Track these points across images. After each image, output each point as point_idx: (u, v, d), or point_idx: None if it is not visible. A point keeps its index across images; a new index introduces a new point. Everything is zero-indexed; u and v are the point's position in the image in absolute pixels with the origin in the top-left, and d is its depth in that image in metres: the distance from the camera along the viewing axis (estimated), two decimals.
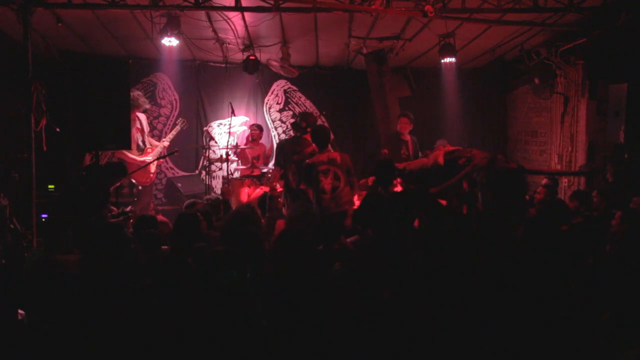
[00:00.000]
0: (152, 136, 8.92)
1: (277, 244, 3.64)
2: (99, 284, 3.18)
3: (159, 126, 9.09)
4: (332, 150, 5.95)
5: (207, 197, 6.19)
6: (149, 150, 7.41)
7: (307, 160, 5.86)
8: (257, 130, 8.31)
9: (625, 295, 3.06)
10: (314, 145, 6.06)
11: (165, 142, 7.64)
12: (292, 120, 9.44)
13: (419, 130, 7.82)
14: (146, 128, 7.52)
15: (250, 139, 8.37)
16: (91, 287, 3.15)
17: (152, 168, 7.44)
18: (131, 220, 5.20)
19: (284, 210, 6.34)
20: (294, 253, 3.44)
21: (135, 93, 7.44)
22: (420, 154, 7.58)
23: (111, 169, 5.73)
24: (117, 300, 3.03)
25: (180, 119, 8.12)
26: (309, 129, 6.22)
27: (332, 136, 6.09)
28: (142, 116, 7.48)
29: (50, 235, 4.20)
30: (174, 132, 7.86)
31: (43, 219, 5.90)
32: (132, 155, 7.12)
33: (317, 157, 5.77)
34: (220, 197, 6.25)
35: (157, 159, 7.39)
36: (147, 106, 7.76)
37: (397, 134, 7.54)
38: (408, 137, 7.53)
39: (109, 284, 3.16)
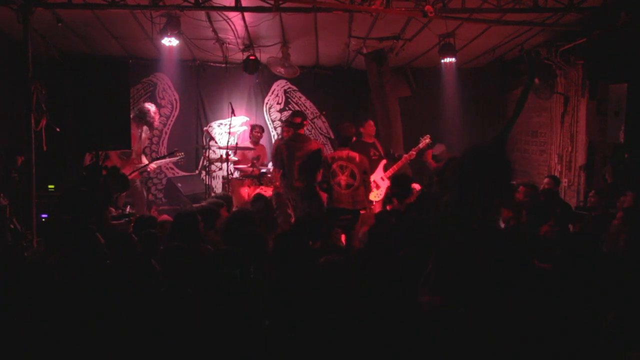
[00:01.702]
0: (152, 136, 8.95)
1: (275, 245, 3.66)
2: (99, 284, 3.18)
3: (159, 126, 9.09)
4: (351, 150, 6.07)
5: (215, 193, 6.23)
6: (135, 162, 7.20)
7: (328, 154, 6.14)
8: (258, 133, 8.29)
9: (627, 296, 3.06)
10: (312, 141, 6.19)
11: (153, 165, 7.49)
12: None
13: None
14: (143, 142, 7.37)
15: (251, 140, 8.35)
16: (92, 288, 3.15)
17: None
18: (132, 224, 5.20)
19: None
20: (289, 253, 3.46)
21: (153, 110, 7.42)
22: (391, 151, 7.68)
23: (116, 179, 5.70)
24: (117, 300, 3.03)
25: (180, 153, 7.70)
26: (305, 123, 6.41)
27: (354, 137, 6.23)
28: (144, 129, 7.41)
29: (50, 235, 4.19)
30: (167, 160, 7.76)
31: (43, 219, 5.90)
32: (117, 159, 6.95)
33: (337, 152, 6.04)
34: (230, 194, 6.34)
35: (133, 172, 7.10)
36: (156, 124, 7.67)
37: (360, 140, 7.55)
38: (373, 139, 7.57)
39: (109, 284, 3.16)
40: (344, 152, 5.98)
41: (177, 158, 7.62)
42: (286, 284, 3.24)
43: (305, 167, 6.28)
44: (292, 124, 6.54)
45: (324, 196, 6.20)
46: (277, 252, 3.53)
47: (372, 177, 7.29)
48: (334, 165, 5.91)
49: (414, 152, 7.40)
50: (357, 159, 5.98)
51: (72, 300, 3.05)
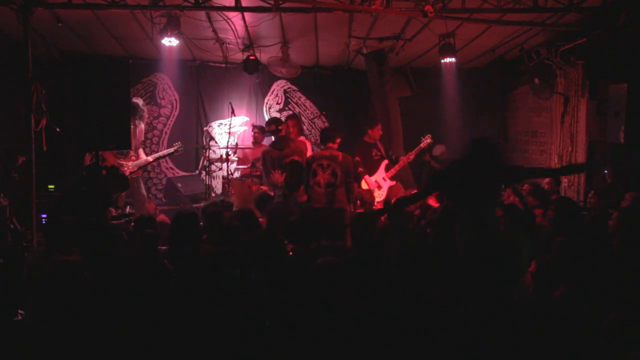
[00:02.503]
0: (153, 136, 8.96)
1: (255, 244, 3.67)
2: (98, 284, 3.18)
3: (159, 126, 9.10)
4: (335, 149, 6.03)
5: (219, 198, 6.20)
6: (133, 158, 7.17)
7: (309, 154, 6.10)
8: (259, 133, 8.19)
9: (627, 296, 3.07)
10: (296, 140, 6.22)
11: (150, 158, 7.45)
12: None
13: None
14: (139, 137, 7.34)
15: (252, 140, 8.31)
16: (91, 287, 3.15)
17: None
18: (132, 223, 5.20)
19: None
20: (271, 254, 3.47)
21: (141, 103, 7.43)
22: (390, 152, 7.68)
23: (116, 179, 5.69)
24: (118, 300, 3.03)
25: (178, 143, 7.75)
26: (280, 127, 6.44)
27: (338, 139, 6.16)
28: (137, 123, 7.36)
29: (51, 235, 4.19)
30: (165, 152, 7.75)
31: (43, 219, 5.90)
32: (116, 159, 6.95)
33: (320, 152, 5.98)
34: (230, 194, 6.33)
35: (135, 170, 7.13)
36: (146, 116, 7.69)
37: (364, 141, 7.58)
38: (375, 140, 7.56)
39: (108, 284, 3.16)
40: (327, 151, 5.91)
41: (176, 147, 7.63)
42: (279, 284, 3.23)
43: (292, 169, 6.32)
44: (270, 132, 6.61)
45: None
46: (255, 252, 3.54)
47: (374, 177, 7.30)
48: (314, 165, 5.81)
49: (413, 155, 7.41)
50: (340, 158, 5.87)
51: (72, 298, 3.05)
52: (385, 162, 7.39)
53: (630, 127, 5.69)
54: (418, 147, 7.49)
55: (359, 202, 6.30)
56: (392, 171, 7.31)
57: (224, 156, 7.72)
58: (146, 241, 3.94)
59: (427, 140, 7.50)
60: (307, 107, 9.50)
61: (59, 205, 5.43)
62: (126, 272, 3.29)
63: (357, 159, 7.36)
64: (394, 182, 7.31)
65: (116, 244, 3.62)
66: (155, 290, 3.10)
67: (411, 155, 7.42)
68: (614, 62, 6.46)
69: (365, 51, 7.90)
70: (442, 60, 7.49)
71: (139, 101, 7.52)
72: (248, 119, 9.18)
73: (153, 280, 3.17)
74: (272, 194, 6.50)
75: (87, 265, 3.49)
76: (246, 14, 6.52)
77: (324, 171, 5.78)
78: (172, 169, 9.14)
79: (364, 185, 7.40)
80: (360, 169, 7.35)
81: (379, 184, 7.28)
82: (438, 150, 8.75)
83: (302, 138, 7.56)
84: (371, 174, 7.36)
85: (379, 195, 7.19)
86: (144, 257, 3.68)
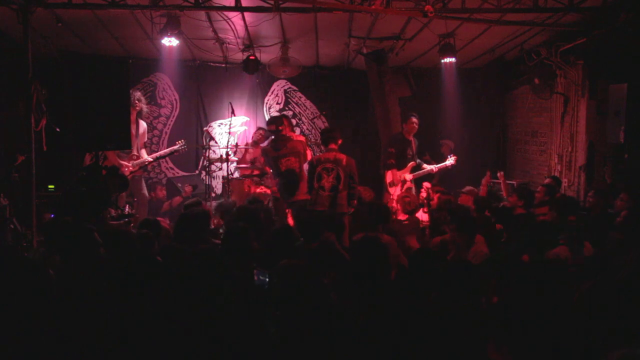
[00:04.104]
0: (153, 136, 8.96)
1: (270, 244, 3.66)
2: (98, 284, 3.17)
3: (159, 126, 9.11)
4: (338, 151, 6.05)
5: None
6: (134, 157, 7.12)
7: (314, 156, 6.19)
8: (263, 135, 8.08)
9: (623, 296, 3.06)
10: (294, 140, 6.40)
11: (150, 158, 7.39)
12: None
13: (419, 131, 7.83)
14: (141, 137, 7.29)
15: (253, 140, 8.28)
16: (91, 288, 3.14)
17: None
18: (132, 224, 5.19)
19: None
20: (283, 252, 3.46)
21: (144, 105, 7.37)
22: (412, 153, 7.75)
23: (116, 179, 5.67)
24: (117, 302, 3.03)
25: (182, 140, 7.67)
26: (280, 128, 6.48)
27: (340, 140, 6.19)
28: (143, 124, 7.37)
29: (51, 235, 4.18)
30: (166, 151, 7.73)
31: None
32: (117, 159, 6.90)
33: (324, 155, 6.02)
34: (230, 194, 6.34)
35: (135, 170, 7.11)
36: (144, 110, 7.63)
37: (402, 135, 7.67)
38: (411, 138, 7.66)
39: (108, 285, 3.15)
40: (331, 155, 5.90)
41: (178, 146, 7.59)
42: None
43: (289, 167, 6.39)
44: (270, 132, 6.64)
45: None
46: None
47: (401, 173, 7.46)
48: (319, 168, 5.83)
49: (436, 169, 7.69)
50: (344, 161, 5.87)
51: (70, 299, 3.05)
52: (413, 164, 7.59)
53: (630, 127, 5.70)
54: (444, 164, 7.71)
55: (355, 201, 6.27)
56: (414, 176, 7.60)
57: (224, 156, 7.72)
58: (140, 242, 3.94)
59: (452, 162, 7.68)
60: (307, 107, 9.50)
61: (59, 205, 5.42)
62: (104, 271, 3.27)
63: (392, 150, 7.57)
64: (412, 185, 7.47)
65: (90, 244, 3.60)
66: (141, 291, 3.08)
67: (435, 169, 7.69)
68: (614, 62, 6.46)
69: (365, 51, 7.91)
70: (442, 60, 7.50)
71: (143, 106, 7.37)
72: (248, 119, 9.18)
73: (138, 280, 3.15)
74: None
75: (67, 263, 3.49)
76: (246, 14, 6.52)
77: (329, 175, 5.80)
78: (172, 169, 9.14)
79: (390, 177, 7.57)
80: (392, 161, 7.52)
81: (401, 179, 7.44)
82: (445, 144, 8.86)
83: (298, 136, 7.55)
84: (399, 169, 7.54)
85: (396, 191, 7.32)
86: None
